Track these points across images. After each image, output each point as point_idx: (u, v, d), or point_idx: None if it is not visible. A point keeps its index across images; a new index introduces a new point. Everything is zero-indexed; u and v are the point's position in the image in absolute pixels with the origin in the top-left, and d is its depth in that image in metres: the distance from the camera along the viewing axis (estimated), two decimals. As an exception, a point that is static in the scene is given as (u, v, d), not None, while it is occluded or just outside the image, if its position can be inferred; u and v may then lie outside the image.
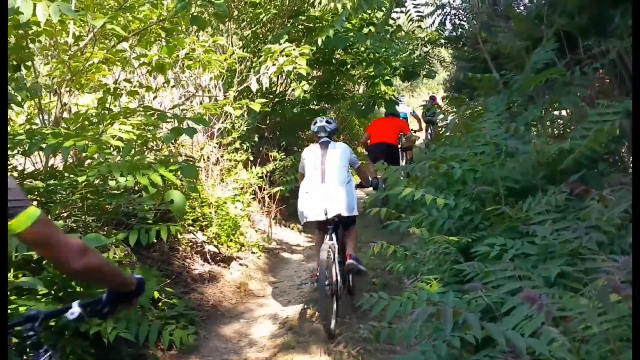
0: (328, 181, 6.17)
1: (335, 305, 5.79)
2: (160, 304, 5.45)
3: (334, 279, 5.78)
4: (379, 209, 4.40)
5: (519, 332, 2.26)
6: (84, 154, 4.76)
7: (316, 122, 6.49)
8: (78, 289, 4.41)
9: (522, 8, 9.65)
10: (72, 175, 4.71)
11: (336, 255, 5.97)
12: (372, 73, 11.66)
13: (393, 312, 3.02)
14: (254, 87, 7.23)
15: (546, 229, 3.09)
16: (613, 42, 4.22)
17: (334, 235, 6.07)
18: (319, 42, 8.62)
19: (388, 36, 10.90)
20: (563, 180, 3.64)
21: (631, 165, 4.66)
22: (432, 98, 18.79)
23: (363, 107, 12.49)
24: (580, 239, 2.84)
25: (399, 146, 11.14)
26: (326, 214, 6.00)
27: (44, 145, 4.25)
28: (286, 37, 9.25)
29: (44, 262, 4.12)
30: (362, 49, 10.95)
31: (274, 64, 6.93)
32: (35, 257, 3.93)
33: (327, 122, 6.47)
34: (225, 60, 6.87)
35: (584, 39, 4.79)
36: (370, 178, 7.19)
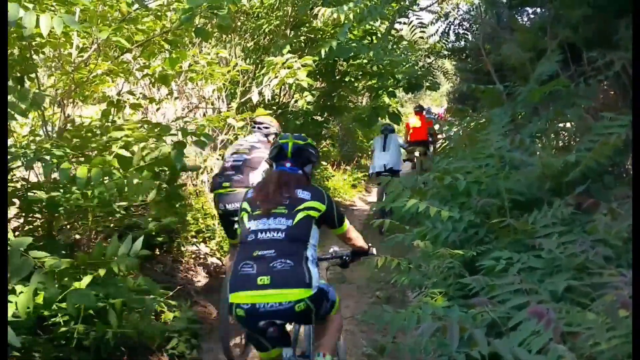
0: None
1: None
2: (163, 316, 5.42)
3: None
4: (382, 220, 4.38)
5: (526, 348, 2.23)
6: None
7: None
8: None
9: (525, 19, 9.66)
10: (77, 190, 4.68)
11: None
12: (376, 85, 11.65)
13: (397, 326, 2.99)
14: (256, 98, 7.22)
15: (552, 243, 3.06)
16: (617, 54, 4.21)
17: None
18: (322, 53, 8.58)
19: (390, 47, 10.89)
20: (569, 192, 3.62)
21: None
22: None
23: (366, 119, 12.47)
24: (586, 253, 2.82)
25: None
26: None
27: (47, 157, 4.23)
28: (288, 48, 9.25)
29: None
30: (365, 60, 10.94)
31: (276, 76, 6.93)
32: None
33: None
34: (228, 72, 6.86)
35: (588, 51, 4.78)
36: None
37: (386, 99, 11.30)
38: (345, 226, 3.90)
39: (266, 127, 5.85)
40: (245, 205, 3.71)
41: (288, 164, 3.82)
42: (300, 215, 3.53)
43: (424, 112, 15.93)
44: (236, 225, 4.70)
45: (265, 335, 3.41)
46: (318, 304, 3.39)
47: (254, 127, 5.94)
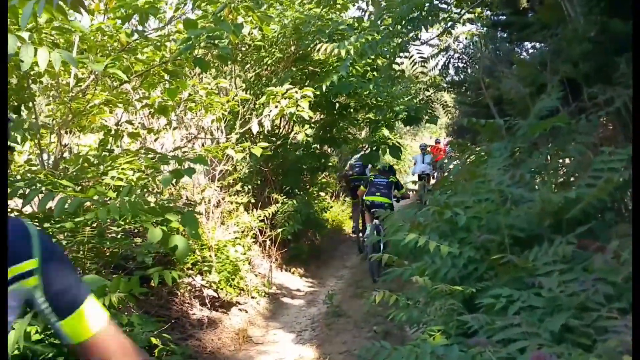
0: None
1: None
2: (157, 350, 5.34)
3: None
4: (381, 254, 4.32)
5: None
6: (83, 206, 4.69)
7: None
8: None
9: (524, 54, 9.70)
10: (69, 220, 4.64)
11: None
12: (375, 117, 11.67)
13: (395, 364, 2.93)
14: (255, 129, 7.20)
15: (553, 281, 3.00)
16: (618, 91, 4.18)
17: None
18: (324, 87, 8.58)
19: (390, 83, 10.95)
20: (569, 229, 3.56)
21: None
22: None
23: (368, 151, 12.46)
24: (587, 292, 2.77)
25: None
26: None
27: (43, 189, 4.19)
28: (290, 80, 9.27)
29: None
30: (366, 92, 10.97)
31: (276, 107, 6.92)
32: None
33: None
34: (227, 102, 6.85)
35: (588, 87, 4.76)
36: None
37: (385, 132, 11.29)
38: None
39: None
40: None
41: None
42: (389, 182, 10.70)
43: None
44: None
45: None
46: (392, 207, 9.91)
47: None
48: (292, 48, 10.37)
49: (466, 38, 11.78)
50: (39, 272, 1.50)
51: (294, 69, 10.35)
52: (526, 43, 9.60)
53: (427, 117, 11.95)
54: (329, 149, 13.28)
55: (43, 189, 4.17)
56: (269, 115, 7.07)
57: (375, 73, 11.07)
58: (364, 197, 10.75)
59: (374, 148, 11.40)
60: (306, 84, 9.62)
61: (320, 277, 10.90)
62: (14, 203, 5.14)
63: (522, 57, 9.49)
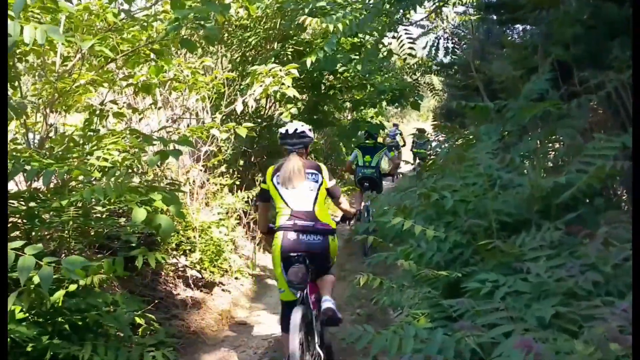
0: None
1: None
2: (140, 330, 5.31)
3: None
4: (366, 236, 4.28)
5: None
6: (66, 176, 4.63)
7: None
8: (59, 319, 4.30)
9: (515, 37, 9.66)
10: (55, 199, 4.59)
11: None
12: (359, 97, 11.64)
13: (378, 347, 2.90)
14: (240, 108, 7.14)
15: (540, 267, 2.98)
16: (610, 75, 4.16)
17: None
18: (308, 63, 8.51)
19: (377, 61, 10.88)
20: (558, 214, 3.54)
21: (624, 198, 4.60)
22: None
23: (348, 129, 12.49)
24: (575, 278, 2.75)
25: None
26: None
27: (27, 168, 4.14)
28: (273, 59, 9.22)
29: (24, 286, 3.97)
30: (352, 74, 10.93)
31: (260, 85, 6.85)
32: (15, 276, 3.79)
33: None
34: (211, 81, 6.79)
35: (579, 70, 4.73)
36: None
37: (369, 114, 11.31)
38: None
39: None
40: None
41: None
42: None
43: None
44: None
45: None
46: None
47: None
48: (276, 28, 10.28)
49: (455, 19, 11.73)
50: None
51: (278, 48, 10.27)
52: (517, 25, 9.54)
53: (411, 100, 11.90)
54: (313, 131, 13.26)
55: (27, 167, 4.13)
56: (253, 94, 7.01)
57: (361, 52, 11.01)
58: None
59: (356, 127, 11.38)
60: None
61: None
62: None
63: (513, 39, 9.45)
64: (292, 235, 4.82)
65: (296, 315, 4.58)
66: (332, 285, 5.03)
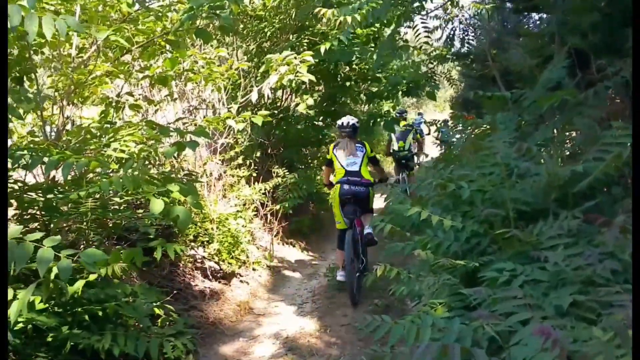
0: None
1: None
2: (159, 320, 5.35)
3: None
4: (385, 224, 4.28)
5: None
6: (84, 169, 4.65)
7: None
8: (79, 309, 4.34)
9: (531, 25, 9.59)
10: (73, 190, 4.62)
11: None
12: (375, 90, 11.59)
13: (396, 337, 2.91)
14: (254, 97, 7.14)
15: (558, 255, 2.98)
16: (628, 63, 4.12)
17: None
18: (322, 50, 8.54)
19: (393, 53, 10.82)
20: (575, 203, 3.53)
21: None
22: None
23: (364, 122, 12.48)
24: (593, 266, 2.74)
25: None
26: None
27: (46, 160, 4.16)
28: (289, 49, 9.20)
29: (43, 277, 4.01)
30: (367, 66, 10.89)
31: (276, 74, 6.84)
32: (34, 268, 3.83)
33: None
34: (226, 71, 6.79)
35: (596, 58, 4.70)
36: None
37: (385, 107, 11.27)
38: None
39: None
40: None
41: None
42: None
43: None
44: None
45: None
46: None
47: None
48: (291, 19, 10.24)
49: (471, 8, 11.65)
50: None
51: (294, 39, 10.23)
52: (533, 14, 9.48)
53: (427, 89, 11.83)
54: (330, 123, 13.17)
55: (45, 159, 4.15)
56: (269, 83, 7.00)
57: (377, 43, 10.96)
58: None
59: (372, 122, 11.34)
60: (307, 53, 9.55)
61: (322, 250, 10.89)
62: (18, 175, 5.12)
63: (529, 28, 9.38)
64: (346, 186, 7.41)
65: (348, 237, 7.14)
66: (371, 220, 7.24)
